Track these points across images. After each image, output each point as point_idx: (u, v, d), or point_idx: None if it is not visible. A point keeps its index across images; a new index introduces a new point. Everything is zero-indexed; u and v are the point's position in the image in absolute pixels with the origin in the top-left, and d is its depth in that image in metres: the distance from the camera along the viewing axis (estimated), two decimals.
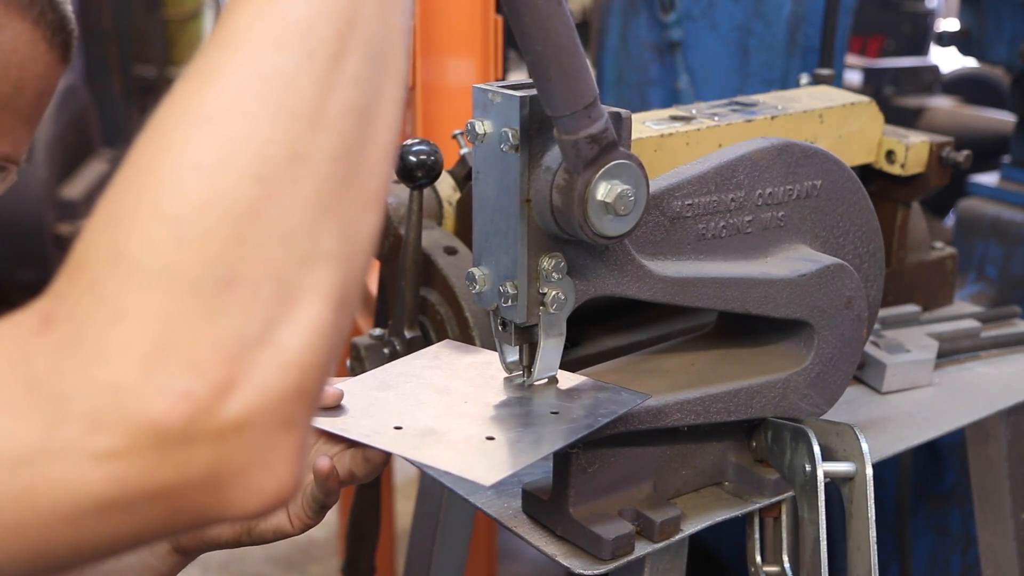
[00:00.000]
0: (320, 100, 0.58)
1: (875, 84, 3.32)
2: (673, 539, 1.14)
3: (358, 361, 1.39)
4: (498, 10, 1.89)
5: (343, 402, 1.03)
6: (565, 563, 1.11)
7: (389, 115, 0.63)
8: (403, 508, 2.80)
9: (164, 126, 0.57)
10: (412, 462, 1.02)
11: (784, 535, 1.26)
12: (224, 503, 0.56)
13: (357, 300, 0.61)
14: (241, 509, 0.57)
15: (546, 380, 1.10)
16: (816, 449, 1.17)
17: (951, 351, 1.57)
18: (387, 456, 1.01)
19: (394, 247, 1.40)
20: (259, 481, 0.56)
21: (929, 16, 4.32)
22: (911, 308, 1.64)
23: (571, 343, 1.24)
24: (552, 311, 1.04)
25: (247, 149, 0.56)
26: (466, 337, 1.31)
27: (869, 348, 1.50)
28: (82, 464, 0.53)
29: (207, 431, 0.54)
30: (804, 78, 1.67)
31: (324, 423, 1.00)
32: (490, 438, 0.99)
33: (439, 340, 1.32)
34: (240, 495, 0.56)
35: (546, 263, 1.03)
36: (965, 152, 1.57)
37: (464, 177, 1.46)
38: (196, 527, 0.58)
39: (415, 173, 1.28)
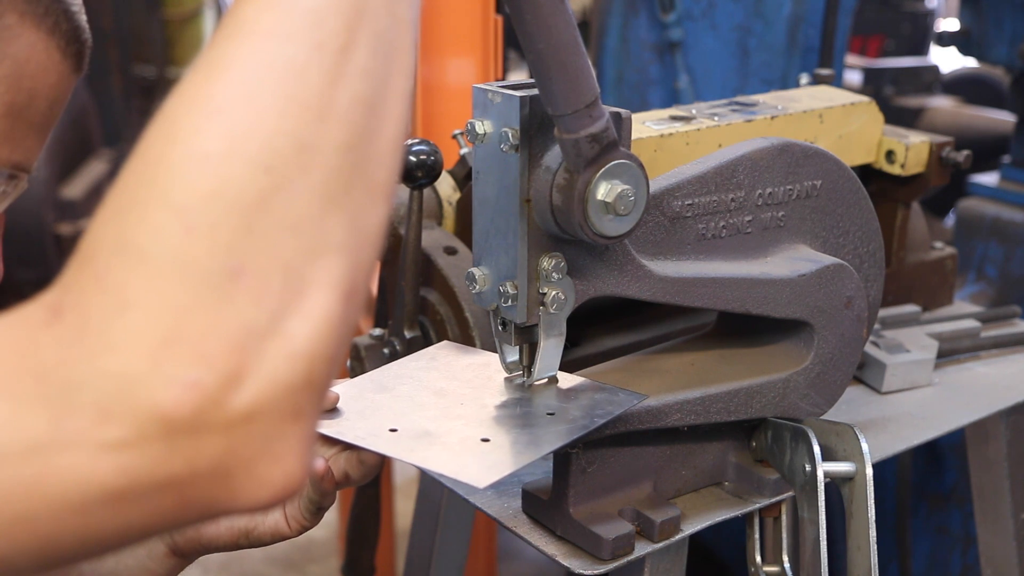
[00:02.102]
0: (328, 91, 0.58)
1: (875, 84, 3.33)
2: (673, 539, 1.14)
3: (358, 361, 1.39)
4: (498, 10, 1.89)
5: (339, 404, 1.03)
6: (565, 563, 1.11)
7: (397, 107, 0.63)
8: (403, 508, 2.80)
9: (173, 117, 0.58)
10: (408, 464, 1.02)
11: (784, 535, 1.25)
12: (233, 494, 0.56)
13: (365, 291, 0.61)
14: (250, 500, 0.57)
15: (546, 380, 1.10)
16: (816, 449, 1.17)
17: (951, 351, 1.57)
18: (382, 459, 1.01)
19: (394, 247, 1.40)
20: (268, 472, 0.56)
21: (929, 16, 4.32)
22: (911, 308, 1.64)
23: (571, 343, 1.24)
24: (552, 311, 1.04)
25: (255, 140, 0.56)
26: (466, 337, 1.31)
27: (869, 348, 1.50)
28: (91, 454, 0.53)
29: (216, 421, 0.54)
30: (804, 78, 1.67)
31: (319, 425, 1.00)
32: (485, 440, 0.99)
33: (439, 340, 1.32)
34: (249, 486, 0.56)
35: (546, 263, 1.03)
36: (965, 152, 1.56)
37: (464, 177, 1.46)
38: (205, 519, 0.58)
39: (415, 173, 1.28)
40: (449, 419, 1.03)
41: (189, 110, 0.57)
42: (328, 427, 1.00)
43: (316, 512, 1.03)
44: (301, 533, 1.04)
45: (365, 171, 0.60)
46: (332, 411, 1.02)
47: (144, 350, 0.53)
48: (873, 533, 1.16)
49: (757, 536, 1.26)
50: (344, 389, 1.06)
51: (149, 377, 0.53)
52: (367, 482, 1.47)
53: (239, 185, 0.55)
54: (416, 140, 1.29)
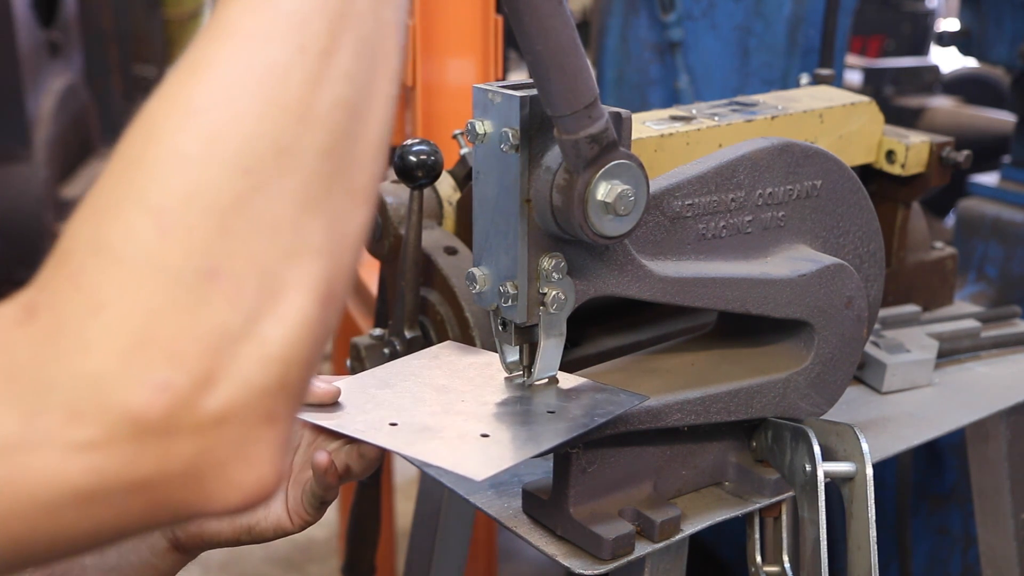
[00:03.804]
0: (309, 94, 0.58)
1: (875, 84, 3.32)
2: (673, 539, 1.14)
3: (358, 361, 1.39)
4: (498, 10, 1.89)
5: (340, 399, 1.04)
6: (565, 563, 1.11)
7: (380, 111, 0.63)
8: (403, 508, 2.80)
9: (152, 117, 0.57)
10: (407, 458, 1.02)
11: (784, 535, 1.25)
12: (204, 497, 0.56)
13: (344, 295, 0.61)
14: (221, 503, 0.57)
15: (546, 380, 1.10)
16: (816, 449, 1.17)
17: (951, 351, 1.57)
18: (382, 452, 1.02)
19: (394, 247, 1.40)
20: (239, 475, 0.56)
21: (929, 16, 4.32)
22: (911, 308, 1.64)
23: (571, 343, 1.24)
24: (552, 311, 1.04)
25: (234, 141, 0.56)
26: (466, 337, 1.31)
27: (869, 348, 1.50)
28: (61, 455, 0.53)
29: (187, 424, 0.54)
30: (804, 78, 1.67)
31: (320, 419, 1.01)
32: (485, 435, 0.99)
33: (439, 340, 1.32)
34: (220, 489, 0.56)
35: (546, 263, 1.03)
36: (965, 152, 1.56)
37: (464, 177, 1.46)
38: (177, 521, 0.59)
39: (415, 173, 1.28)
40: (449, 415, 1.03)
41: (169, 111, 0.57)
42: (329, 421, 1.01)
43: (319, 506, 1.03)
44: (304, 528, 1.05)
45: (346, 174, 0.60)
46: (334, 405, 1.03)
47: (116, 351, 0.53)
48: (873, 533, 1.16)
49: (757, 536, 1.26)
50: (346, 384, 1.07)
51: (120, 378, 0.53)
52: (368, 481, 1.48)
53: (216, 187, 0.55)
54: (416, 140, 1.29)
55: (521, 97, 0.97)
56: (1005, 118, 3.06)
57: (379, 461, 1.04)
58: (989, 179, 2.37)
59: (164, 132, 0.56)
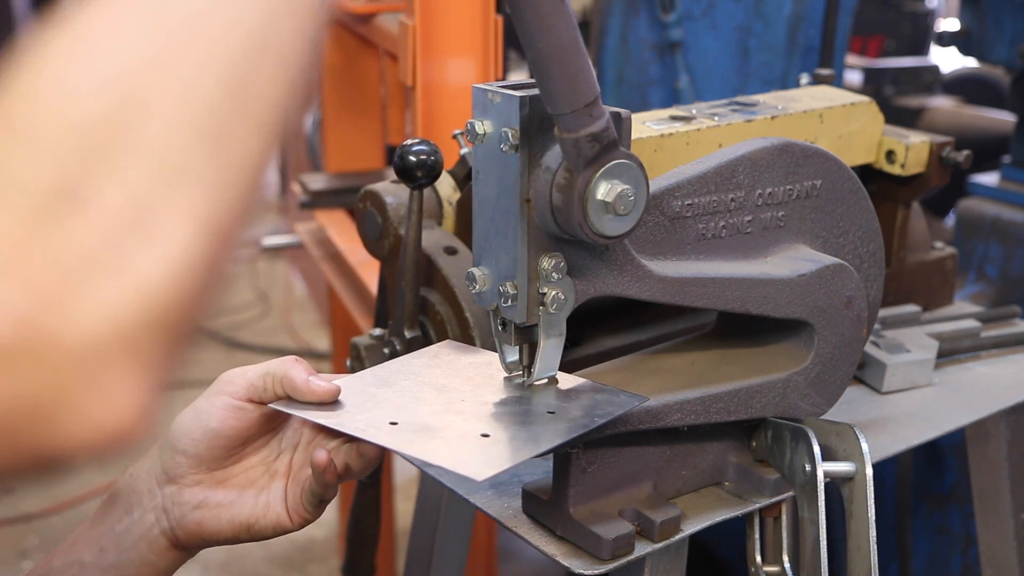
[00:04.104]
0: (207, 22, 0.56)
1: (875, 84, 3.32)
2: (673, 539, 1.14)
3: (358, 361, 1.39)
4: (498, 10, 1.89)
5: (340, 397, 1.04)
6: (565, 563, 1.11)
7: (293, 46, 0.60)
8: (403, 508, 2.80)
9: (34, 47, 0.56)
10: (406, 457, 1.03)
11: (784, 535, 1.25)
12: (55, 431, 0.53)
13: (238, 234, 0.58)
14: (74, 438, 0.53)
15: (546, 380, 1.10)
16: (816, 449, 1.17)
17: (951, 351, 1.57)
18: (381, 451, 1.02)
19: (394, 247, 1.40)
20: (92, 409, 0.53)
21: (929, 16, 4.32)
22: (911, 308, 1.64)
23: (571, 343, 1.24)
24: (552, 311, 1.04)
25: (114, 65, 0.54)
26: (466, 337, 1.31)
27: (869, 348, 1.50)
28: None
29: (32, 349, 0.51)
30: (804, 78, 1.67)
31: (319, 417, 1.01)
32: (485, 435, 0.99)
33: (439, 340, 1.32)
34: (71, 423, 0.53)
35: (546, 263, 1.03)
36: (965, 152, 1.56)
37: (464, 177, 1.46)
38: (33, 462, 0.55)
39: (415, 173, 1.28)
40: (449, 414, 1.03)
41: (50, 39, 0.55)
42: (328, 419, 1.01)
43: (318, 505, 1.04)
44: (303, 526, 1.05)
45: (243, 104, 0.57)
46: (333, 404, 1.03)
47: None
48: (873, 533, 1.16)
49: (757, 536, 1.26)
50: (346, 383, 1.07)
51: None
52: (368, 480, 1.48)
53: (91, 110, 0.53)
54: (416, 140, 1.29)
55: (521, 97, 0.97)
56: (1005, 118, 3.06)
57: (379, 460, 1.04)
58: (989, 179, 2.37)
59: (43, 58, 0.55)
